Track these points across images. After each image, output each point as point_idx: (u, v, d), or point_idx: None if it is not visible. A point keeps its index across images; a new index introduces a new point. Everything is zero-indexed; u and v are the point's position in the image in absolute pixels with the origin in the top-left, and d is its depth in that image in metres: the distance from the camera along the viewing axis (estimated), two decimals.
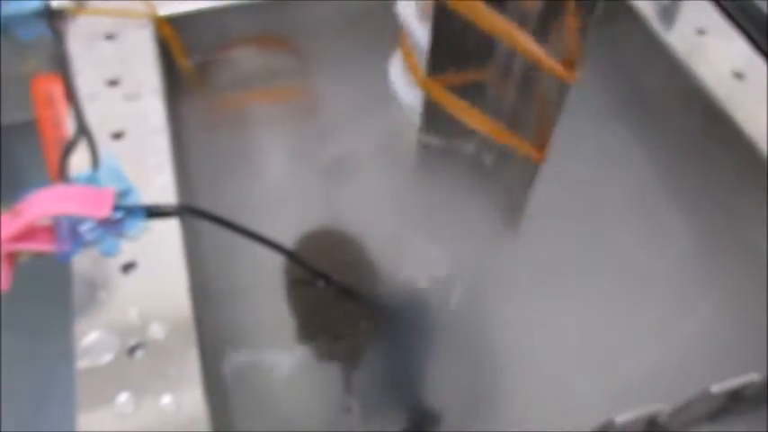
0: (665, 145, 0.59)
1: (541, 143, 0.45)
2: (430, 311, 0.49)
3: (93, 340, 0.36)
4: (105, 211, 0.35)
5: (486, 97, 0.46)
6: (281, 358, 0.46)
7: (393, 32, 0.60)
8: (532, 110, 0.45)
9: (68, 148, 0.43)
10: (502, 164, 0.50)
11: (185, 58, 0.57)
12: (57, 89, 0.47)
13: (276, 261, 0.46)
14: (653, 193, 0.57)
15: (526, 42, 0.39)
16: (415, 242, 0.54)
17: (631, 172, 0.58)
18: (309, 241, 0.49)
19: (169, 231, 0.41)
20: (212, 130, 0.58)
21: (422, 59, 0.43)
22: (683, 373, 0.43)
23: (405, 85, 0.49)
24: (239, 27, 0.60)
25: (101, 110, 0.47)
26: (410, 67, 0.46)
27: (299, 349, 0.46)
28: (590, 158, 0.57)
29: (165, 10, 0.54)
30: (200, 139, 0.56)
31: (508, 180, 0.51)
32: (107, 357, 0.36)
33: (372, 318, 0.47)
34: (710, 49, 0.54)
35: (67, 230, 0.37)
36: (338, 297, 0.46)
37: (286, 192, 0.55)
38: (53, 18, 0.51)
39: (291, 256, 0.41)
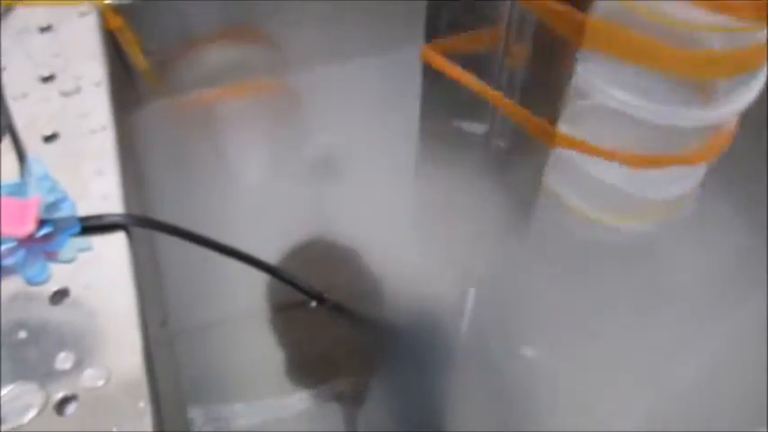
0: None
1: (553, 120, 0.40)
2: (445, 333, 0.44)
3: (7, 394, 0.27)
4: (28, 227, 0.30)
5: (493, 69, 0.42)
6: (268, 403, 0.40)
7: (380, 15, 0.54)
8: (546, 81, 0.40)
9: None
10: (513, 149, 0.45)
11: (141, 52, 0.49)
12: None
13: (256, 282, 0.42)
14: None
15: None
16: (420, 249, 0.48)
17: None
18: (297, 255, 0.45)
19: (114, 250, 0.33)
20: (176, 134, 0.52)
21: None
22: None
23: None
24: (205, 17, 0.53)
25: (30, 109, 0.39)
26: None
27: (289, 389, 0.40)
28: None
29: None
30: (161, 144, 0.49)
31: (520, 169, 0.46)
32: (28, 416, 0.27)
33: (377, 343, 0.43)
34: None
35: None
36: (335, 320, 0.42)
37: (265, 200, 0.49)
38: None
39: (276, 273, 0.38)
